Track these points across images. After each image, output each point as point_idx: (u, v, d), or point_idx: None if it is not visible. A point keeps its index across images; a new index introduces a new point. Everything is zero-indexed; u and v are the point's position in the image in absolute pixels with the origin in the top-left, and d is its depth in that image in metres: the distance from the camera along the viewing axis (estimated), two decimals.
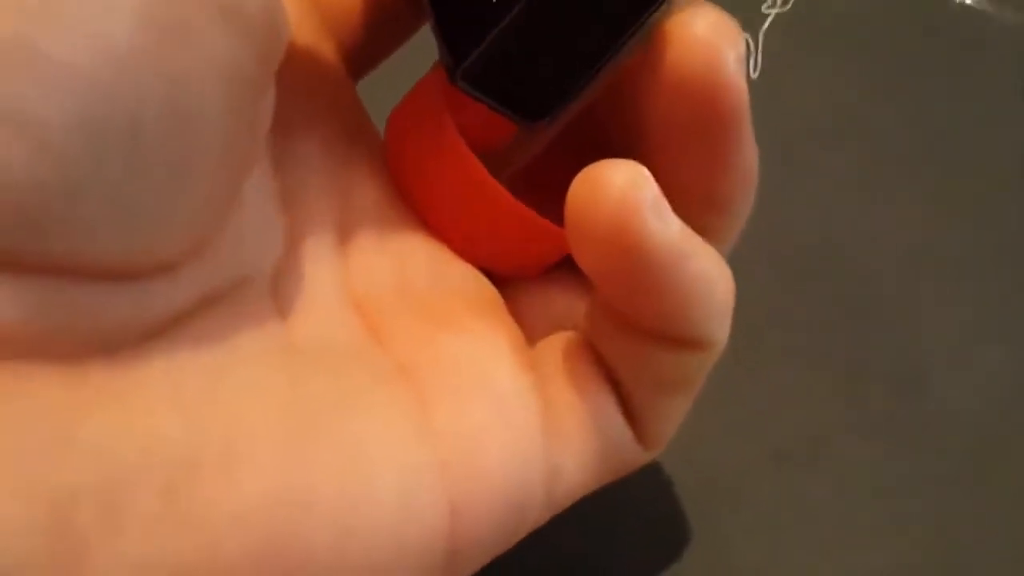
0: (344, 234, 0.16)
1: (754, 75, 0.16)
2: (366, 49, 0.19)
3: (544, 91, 0.16)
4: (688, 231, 0.14)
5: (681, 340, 0.15)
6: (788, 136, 0.40)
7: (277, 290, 0.15)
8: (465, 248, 0.17)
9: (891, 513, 0.31)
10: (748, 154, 0.16)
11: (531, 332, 0.17)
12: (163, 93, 0.12)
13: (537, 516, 0.17)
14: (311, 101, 0.17)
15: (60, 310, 0.12)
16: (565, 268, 0.18)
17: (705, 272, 0.15)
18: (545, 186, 0.17)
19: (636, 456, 0.18)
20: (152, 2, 0.12)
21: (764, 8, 0.16)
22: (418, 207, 0.17)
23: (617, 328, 0.15)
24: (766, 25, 0.16)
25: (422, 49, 0.19)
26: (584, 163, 0.16)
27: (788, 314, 0.33)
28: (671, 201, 0.15)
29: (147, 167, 0.12)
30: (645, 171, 0.14)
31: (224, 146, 0.13)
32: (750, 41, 0.16)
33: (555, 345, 0.17)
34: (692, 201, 0.16)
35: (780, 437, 0.32)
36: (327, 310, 0.15)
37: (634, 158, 0.15)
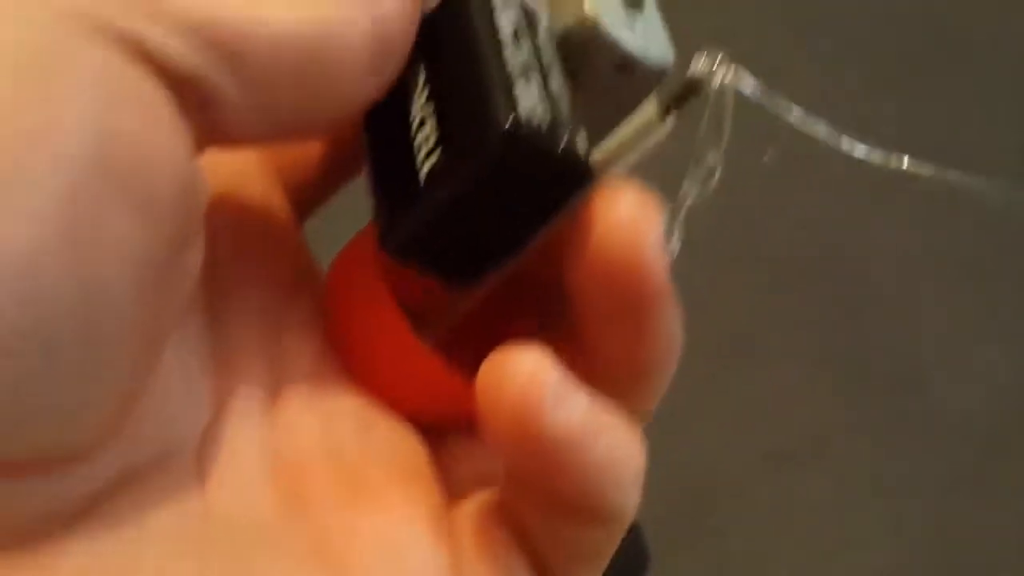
0: (275, 392, 0.17)
1: (675, 251, 0.17)
2: (315, 192, 0.20)
3: (472, 259, 0.17)
4: (596, 410, 0.15)
5: (590, 515, 0.16)
6: (788, 136, 0.40)
7: (201, 458, 0.16)
8: (393, 402, 0.18)
9: (891, 513, 0.31)
10: (669, 330, 0.17)
11: (458, 485, 0.18)
12: (75, 296, 0.12)
13: None
14: (254, 254, 0.17)
15: None
16: None
17: (613, 450, 0.15)
18: (482, 341, 0.18)
19: None
20: (67, 208, 0.12)
21: (683, 190, 0.16)
22: (349, 360, 0.18)
23: (528, 501, 0.16)
24: (688, 202, 0.16)
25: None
26: (519, 319, 0.17)
27: (788, 314, 0.34)
28: (595, 367, 0.16)
29: (57, 367, 0.13)
30: (548, 359, 0.15)
31: (135, 333, 0.14)
32: (672, 219, 0.16)
33: (473, 510, 0.17)
34: (615, 368, 0.17)
35: (780, 437, 0.32)
36: (249, 479, 0.16)
37: (564, 321, 0.16)
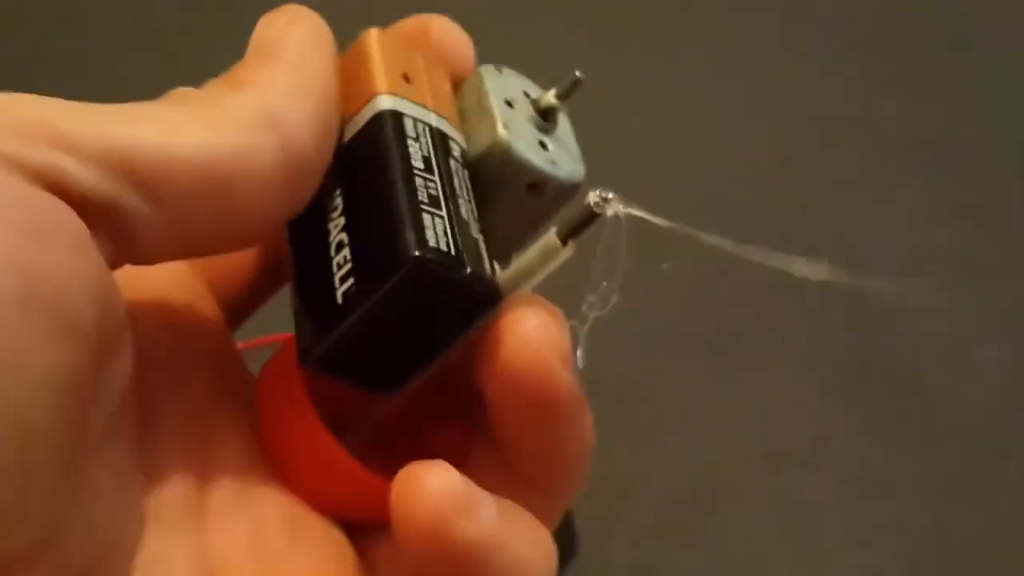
0: (203, 497, 0.17)
1: (581, 364, 0.18)
2: (246, 299, 0.20)
3: (389, 370, 0.18)
4: (504, 520, 0.16)
5: None
6: (788, 136, 0.40)
7: (131, 568, 0.16)
8: (318, 505, 0.19)
9: (891, 512, 0.31)
10: (580, 435, 0.18)
11: None
12: (6, 424, 0.13)
13: None
14: (184, 359, 0.18)
15: None
16: None
17: (520, 557, 0.16)
18: (410, 446, 0.19)
19: None
20: None
21: (584, 307, 0.18)
22: (276, 464, 0.19)
23: None
24: (588, 324, 0.18)
25: None
26: (448, 424, 0.19)
27: (787, 315, 0.33)
28: (514, 468, 0.17)
29: None
30: (455, 474, 0.16)
31: (63, 450, 0.14)
32: (577, 334, 0.18)
33: None
34: (532, 469, 0.18)
35: (780, 437, 0.32)
36: None
37: (482, 420, 0.17)
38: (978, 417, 0.32)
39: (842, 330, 0.34)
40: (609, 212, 0.17)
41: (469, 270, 0.17)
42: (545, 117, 0.19)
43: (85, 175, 0.14)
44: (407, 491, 0.16)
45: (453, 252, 0.17)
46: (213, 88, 0.16)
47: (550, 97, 0.19)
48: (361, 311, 0.17)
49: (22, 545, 0.14)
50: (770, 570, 0.30)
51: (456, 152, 0.18)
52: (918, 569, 0.30)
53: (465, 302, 0.17)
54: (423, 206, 0.17)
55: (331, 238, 0.17)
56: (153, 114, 0.15)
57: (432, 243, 0.17)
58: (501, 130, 0.18)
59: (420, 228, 0.17)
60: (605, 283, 0.20)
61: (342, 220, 0.17)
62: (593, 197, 0.17)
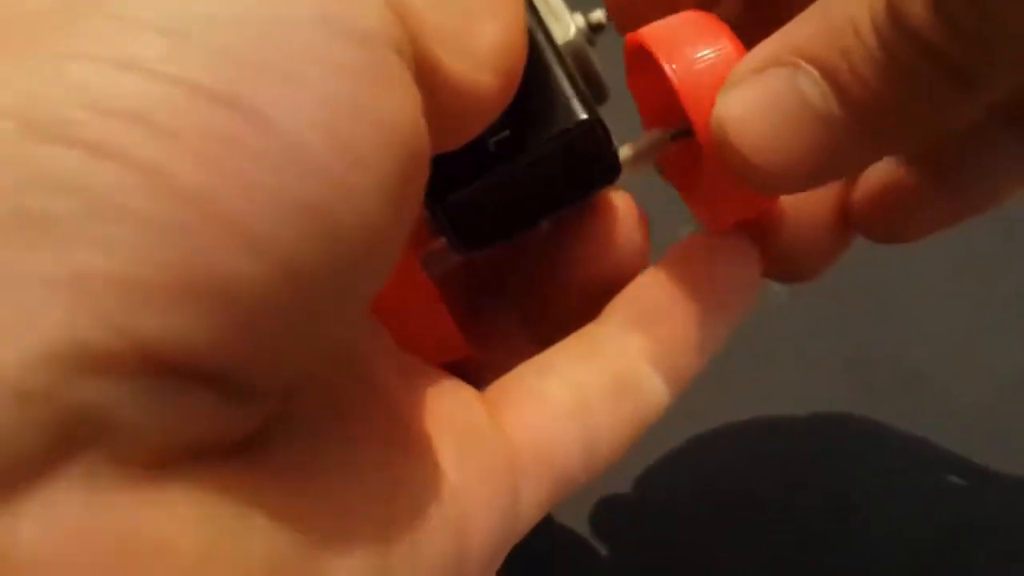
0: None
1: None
2: None
3: (488, 232, 0.19)
4: None
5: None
6: None
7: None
8: (405, 341, 0.19)
9: (892, 512, 0.31)
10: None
11: None
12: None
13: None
14: None
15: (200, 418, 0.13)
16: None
17: None
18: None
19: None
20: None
21: None
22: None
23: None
24: None
25: None
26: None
27: (789, 311, 0.33)
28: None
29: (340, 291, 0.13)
30: None
31: (396, 236, 0.14)
32: None
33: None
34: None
35: (781, 435, 0.32)
36: None
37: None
38: (981, 411, 0.32)
39: (844, 326, 0.34)
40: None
41: (615, 144, 0.19)
42: (593, 30, 0.21)
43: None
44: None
45: (603, 125, 0.18)
46: None
47: (600, 15, 0.21)
48: (514, 161, 0.18)
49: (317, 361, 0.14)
50: (770, 568, 0.30)
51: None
52: (923, 564, 0.30)
53: (596, 172, 0.19)
54: (576, 78, 0.18)
55: None
56: None
57: (595, 112, 0.18)
58: (574, 31, 0.20)
59: (583, 95, 0.18)
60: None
61: None
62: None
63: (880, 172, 0.22)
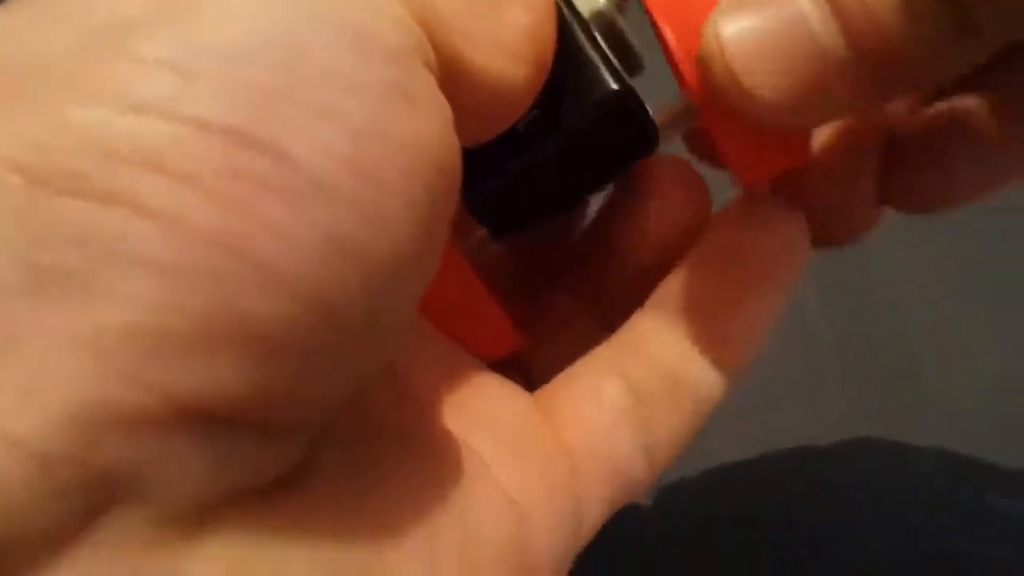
0: None
1: None
2: None
3: (526, 216, 0.19)
4: None
5: None
6: None
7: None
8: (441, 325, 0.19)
9: (891, 512, 0.31)
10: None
11: None
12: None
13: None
14: None
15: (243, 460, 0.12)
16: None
17: None
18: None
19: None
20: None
21: None
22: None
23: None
24: None
25: None
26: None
27: (787, 310, 0.34)
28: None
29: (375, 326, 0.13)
30: None
31: (437, 241, 0.14)
32: None
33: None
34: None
35: (779, 434, 0.32)
36: None
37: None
38: (974, 408, 0.32)
39: (841, 326, 0.34)
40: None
41: (650, 111, 0.18)
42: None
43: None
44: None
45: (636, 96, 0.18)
46: None
47: None
48: (546, 141, 0.17)
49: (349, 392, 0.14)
50: (769, 568, 0.30)
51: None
52: (919, 569, 0.30)
53: (632, 144, 0.18)
54: (608, 52, 0.18)
55: None
56: None
57: (626, 83, 0.17)
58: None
59: (613, 66, 0.18)
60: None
61: None
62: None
63: (914, 139, 0.21)
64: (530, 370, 0.21)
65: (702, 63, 0.17)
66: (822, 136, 0.20)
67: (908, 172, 0.21)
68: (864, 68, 0.16)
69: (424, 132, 0.13)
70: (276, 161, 0.11)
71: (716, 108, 0.17)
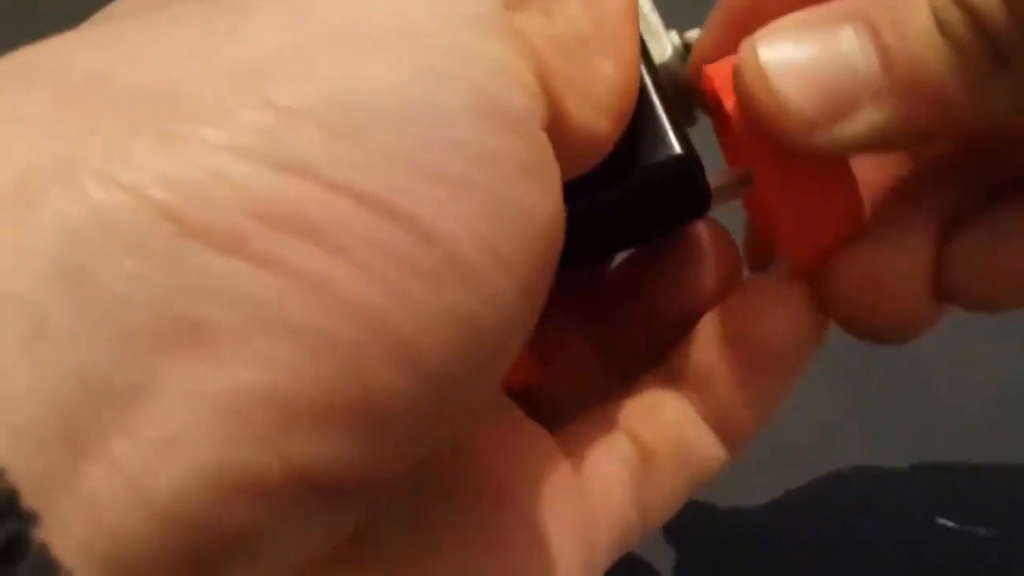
0: None
1: None
2: None
3: (567, 259, 0.18)
4: None
5: None
6: None
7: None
8: None
9: (891, 511, 0.31)
10: None
11: None
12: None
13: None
14: None
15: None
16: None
17: None
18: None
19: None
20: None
21: None
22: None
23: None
24: None
25: None
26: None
27: None
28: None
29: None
30: None
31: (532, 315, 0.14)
32: None
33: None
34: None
35: (782, 436, 0.32)
36: None
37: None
38: (979, 415, 0.32)
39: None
40: None
41: (710, 181, 0.18)
42: (688, 50, 0.20)
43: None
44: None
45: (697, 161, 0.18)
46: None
47: (697, 34, 0.21)
48: (602, 191, 0.18)
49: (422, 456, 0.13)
50: (769, 568, 0.30)
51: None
52: (920, 566, 0.30)
53: (685, 206, 0.19)
54: (674, 112, 0.18)
55: None
56: None
57: (690, 149, 0.18)
58: (669, 50, 0.20)
59: (680, 128, 0.18)
60: None
61: None
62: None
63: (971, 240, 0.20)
64: (541, 404, 0.21)
65: (735, 75, 0.17)
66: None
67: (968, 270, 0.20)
68: (898, 97, 0.16)
69: (542, 206, 0.13)
70: (418, 237, 0.11)
71: (775, 173, 0.18)
